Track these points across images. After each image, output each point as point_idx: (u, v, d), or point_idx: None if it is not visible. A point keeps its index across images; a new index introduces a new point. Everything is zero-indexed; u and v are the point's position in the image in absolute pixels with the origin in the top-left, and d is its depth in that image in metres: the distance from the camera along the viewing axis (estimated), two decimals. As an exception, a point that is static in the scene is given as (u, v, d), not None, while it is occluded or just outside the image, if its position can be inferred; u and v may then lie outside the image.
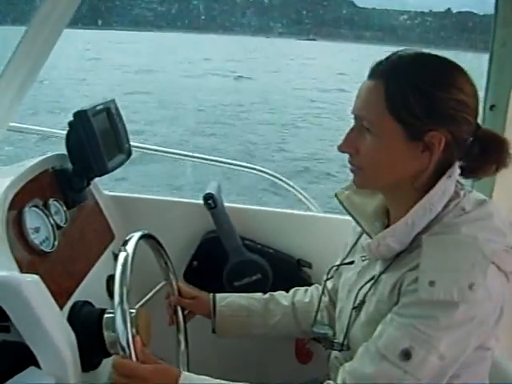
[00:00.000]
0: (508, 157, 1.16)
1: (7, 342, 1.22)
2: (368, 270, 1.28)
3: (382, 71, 1.15)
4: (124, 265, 1.24)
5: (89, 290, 1.52)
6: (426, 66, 1.15)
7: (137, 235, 1.35)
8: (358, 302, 1.25)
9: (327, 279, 1.50)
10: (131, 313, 1.30)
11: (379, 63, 1.17)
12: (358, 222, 1.31)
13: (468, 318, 1.05)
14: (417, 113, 1.10)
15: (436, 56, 1.16)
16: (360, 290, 1.26)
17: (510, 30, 1.83)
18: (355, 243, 1.42)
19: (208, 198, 1.88)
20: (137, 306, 1.38)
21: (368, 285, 1.24)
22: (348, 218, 2.03)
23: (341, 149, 1.20)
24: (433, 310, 1.05)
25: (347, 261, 1.41)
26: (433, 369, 1.05)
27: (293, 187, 2.56)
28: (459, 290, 1.03)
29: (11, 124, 1.83)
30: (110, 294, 1.59)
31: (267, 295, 1.63)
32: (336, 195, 1.34)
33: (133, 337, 1.19)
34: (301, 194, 2.55)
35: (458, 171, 1.18)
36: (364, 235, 1.34)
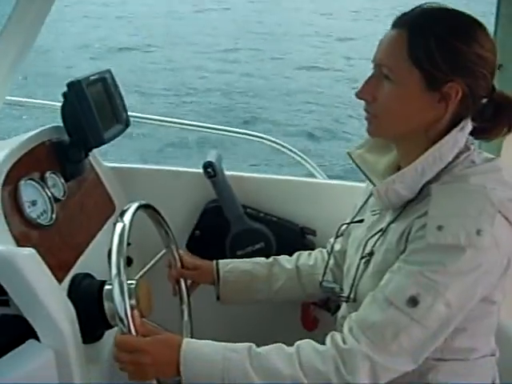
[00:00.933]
0: None
1: (6, 315, 1.22)
2: (377, 223, 1.29)
3: (405, 21, 1.16)
4: (121, 235, 1.24)
5: (90, 262, 1.52)
6: (449, 19, 1.16)
7: (134, 206, 1.34)
8: (366, 253, 1.26)
9: (337, 237, 1.50)
10: (131, 284, 1.30)
11: (404, 14, 1.18)
12: (369, 179, 1.30)
13: (475, 265, 1.06)
14: (437, 62, 1.11)
15: (460, 11, 1.17)
16: (368, 240, 1.27)
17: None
18: (365, 202, 1.42)
19: (208, 166, 1.86)
20: (137, 276, 1.37)
21: (376, 236, 1.25)
22: (352, 183, 2.03)
23: (358, 95, 1.21)
24: (440, 255, 1.06)
25: (357, 219, 1.42)
26: (439, 316, 1.06)
27: (296, 153, 2.53)
28: (467, 234, 1.05)
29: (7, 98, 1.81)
30: None
31: (271, 259, 1.63)
32: (348, 153, 1.33)
33: (132, 309, 1.19)
34: (305, 160, 2.53)
35: (470, 127, 1.19)
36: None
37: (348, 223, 1.46)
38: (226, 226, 1.96)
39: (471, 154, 1.18)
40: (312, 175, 2.47)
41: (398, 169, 1.27)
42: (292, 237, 1.98)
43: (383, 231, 1.23)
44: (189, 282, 1.62)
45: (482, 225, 1.05)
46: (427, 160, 1.15)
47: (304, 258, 1.63)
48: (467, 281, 1.06)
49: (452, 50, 1.12)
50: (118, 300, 1.16)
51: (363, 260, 1.26)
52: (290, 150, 2.55)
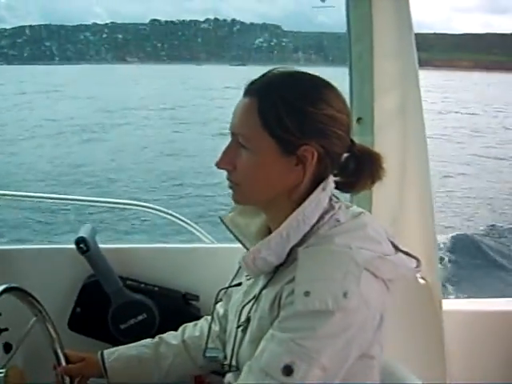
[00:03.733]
0: (381, 170, 1.22)
1: None
2: (252, 289, 1.27)
3: (255, 89, 1.18)
4: None
5: None
6: (296, 82, 1.19)
7: None
8: (242, 320, 1.24)
9: (216, 303, 1.48)
10: (0, 372, 1.24)
11: (254, 81, 1.20)
12: (242, 243, 1.29)
13: (345, 326, 1.05)
14: (289, 127, 1.13)
15: (307, 73, 1.20)
16: (243, 308, 1.25)
17: (363, 45, 1.94)
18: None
19: (80, 241, 1.82)
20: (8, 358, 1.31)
21: (251, 303, 1.23)
22: (234, 245, 2.04)
23: (218, 165, 1.21)
24: (309, 321, 1.05)
25: (235, 282, 1.40)
26: (317, 381, 1.04)
27: (180, 219, 2.53)
28: (333, 298, 1.04)
29: None
30: None
31: (156, 339, 1.56)
32: (221, 218, 1.33)
33: None
34: (191, 225, 2.53)
35: (333, 185, 1.22)
36: None
37: (226, 287, 1.44)
38: (107, 301, 1.91)
39: (336, 213, 1.18)
40: (200, 240, 2.47)
41: (269, 231, 1.28)
42: (175, 304, 1.96)
43: (256, 298, 1.22)
44: (76, 380, 1.52)
45: (348, 286, 1.05)
46: (291, 224, 1.15)
47: (190, 330, 1.58)
48: (339, 342, 1.05)
49: (301, 114, 1.14)
50: None
51: (240, 328, 1.25)
52: (175, 217, 2.55)
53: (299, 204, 1.17)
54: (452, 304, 2.38)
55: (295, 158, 1.15)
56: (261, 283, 1.23)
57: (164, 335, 1.58)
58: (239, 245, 1.79)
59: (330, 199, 1.20)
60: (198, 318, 1.69)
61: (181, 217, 2.55)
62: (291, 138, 1.14)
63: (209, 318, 1.57)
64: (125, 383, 1.52)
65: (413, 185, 2.02)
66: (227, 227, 1.32)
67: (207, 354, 1.43)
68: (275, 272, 1.18)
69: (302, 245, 1.15)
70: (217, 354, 1.42)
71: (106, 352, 1.53)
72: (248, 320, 1.23)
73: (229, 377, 1.35)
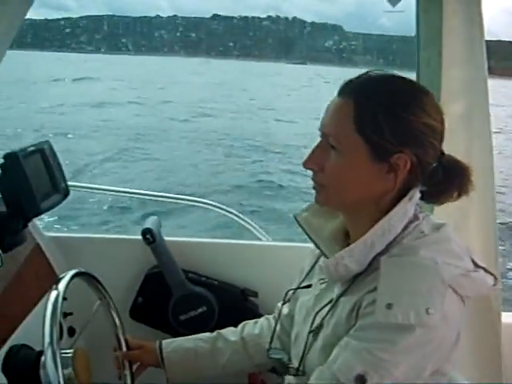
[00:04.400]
0: (469, 184, 1.18)
1: None
2: (326, 293, 1.25)
3: (351, 90, 1.15)
4: (54, 304, 1.23)
5: (28, 332, 1.50)
6: (396, 87, 1.16)
7: (70, 274, 1.34)
8: (315, 325, 1.22)
9: (284, 303, 1.46)
10: (67, 353, 1.29)
11: (349, 81, 1.17)
12: (316, 245, 1.27)
13: (424, 342, 1.04)
14: (385, 134, 1.10)
15: (405, 78, 1.17)
16: (317, 313, 1.23)
17: (432, 50, 1.92)
18: (313, 266, 1.39)
19: (146, 232, 1.88)
20: (70, 345, 1.37)
21: (326, 308, 1.21)
22: (295, 244, 2.07)
23: (305, 165, 1.18)
24: (389, 334, 1.03)
25: (304, 284, 1.38)
26: None
27: (239, 217, 2.57)
28: (416, 313, 1.02)
29: None
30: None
31: (214, 333, 1.58)
32: (295, 217, 1.30)
33: (67, 378, 1.18)
34: (248, 223, 2.57)
35: (419, 195, 1.19)
36: (322, 258, 1.29)
37: (295, 289, 1.42)
38: (168, 292, 1.97)
39: (420, 224, 1.15)
40: (257, 238, 2.51)
41: (346, 234, 1.26)
42: (234, 299, 2.00)
43: (332, 305, 1.19)
44: (134, 366, 1.57)
45: (432, 303, 1.03)
46: (376, 233, 1.12)
47: (249, 327, 1.58)
48: (416, 358, 1.04)
49: (399, 121, 1.10)
50: (51, 370, 1.15)
51: (312, 333, 1.23)
52: (234, 215, 2.59)
53: (385, 212, 1.14)
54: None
55: (387, 166, 1.12)
56: (337, 290, 1.20)
57: (223, 331, 1.59)
58: (297, 244, 1.80)
59: (415, 209, 1.18)
60: (256, 313, 1.73)
61: (239, 214, 2.59)
62: (386, 144, 1.11)
63: (270, 317, 1.59)
64: (181, 374, 1.55)
65: (476, 193, 1.99)
66: (302, 227, 1.29)
67: (272, 355, 1.42)
68: (354, 279, 1.16)
69: (385, 254, 1.13)
70: (281, 356, 1.41)
71: (164, 342, 1.57)
72: (321, 325, 1.21)
73: (290, 379, 1.34)
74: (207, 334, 1.58)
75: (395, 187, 1.14)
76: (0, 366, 1.33)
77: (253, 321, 1.61)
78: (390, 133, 1.10)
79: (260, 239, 2.47)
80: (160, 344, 1.56)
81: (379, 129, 1.10)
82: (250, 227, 2.56)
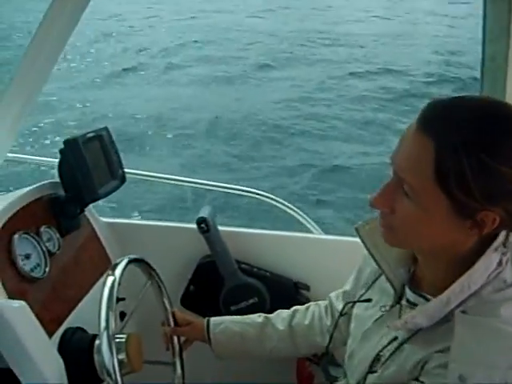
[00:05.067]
0: None
1: None
2: (389, 321, 1.16)
3: (434, 124, 0.93)
4: (111, 289, 1.25)
5: (83, 315, 1.53)
6: (489, 128, 0.91)
7: (126, 259, 1.36)
8: (374, 360, 1.15)
9: (341, 315, 1.40)
10: (121, 337, 1.31)
11: (433, 108, 0.96)
12: (378, 264, 1.18)
13: None
14: (472, 191, 0.90)
15: (505, 112, 0.93)
16: (380, 351, 1.15)
17: (498, 45, 1.85)
18: (374, 281, 1.30)
19: (201, 221, 1.89)
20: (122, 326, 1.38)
21: (389, 347, 1.12)
22: (348, 238, 2.03)
23: (373, 205, 1.02)
24: None
25: (365, 297, 1.30)
26: None
27: (292, 209, 2.56)
28: None
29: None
30: None
31: (263, 319, 1.58)
32: (357, 230, 1.18)
33: (120, 362, 1.20)
34: (301, 215, 2.55)
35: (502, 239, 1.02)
36: (383, 277, 1.22)
37: (354, 301, 1.34)
38: (220, 281, 1.97)
39: (503, 271, 1.00)
40: (309, 231, 2.49)
41: (414, 258, 1.16)
42: (286, 291, 1.99)
43: (396, 348, 1.10)
44: (182, 339, 1.62)
45: (511, 379, 0.90)
46: (454, 290, 0.99)
47: (300, 316, 1.56)
48: None
49: (491, 175, 0.89)
50: (106, 354, 1.16)
51: (370, 372, 1.15)
52: (286, 206, 2.58)
53: (463, 262, 1.00)
54: None
55: (470, 222, 0.95)
56: (402, 332, 1.11)
57: (272, 316, 1.59)
58: (351, 238, 1.75)
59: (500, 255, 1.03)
60: (308, 307, 1.70)
61: (294, 207, 2.57)
62: (472, 203, 0.91)
63: (321, 304, 1.57)
64: (227, 353, 1.58)
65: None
66: (364, 243, 1.18)
67: (330, 371, 1.44)
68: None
69: (460, 306, 1.00)
70: (338, 375, 1.41)
71: (212, 323, 1.58)
72: (378, 360, 1.14)
73: None
74: (255, 319, 1.59)
75: (477, 240, 0.99)
76: (57, 347, 1.35)
77: (304, 306, 1.60)
78: (478, 189, 0.90)
79: (312, 232, 2.45)
80: (208, 323, 1.58)
81: (465, 183, 0.89)
82: (302, 219, 2.54)
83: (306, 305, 1.60)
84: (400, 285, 1.17)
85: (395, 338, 1.11)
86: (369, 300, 1.28)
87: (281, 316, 1.58)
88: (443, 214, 0.95)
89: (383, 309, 1.20)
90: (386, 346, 1.13)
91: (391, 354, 1.10)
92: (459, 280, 0.99)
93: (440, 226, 0.97)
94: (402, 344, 1.09)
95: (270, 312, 1.64)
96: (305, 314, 1.57)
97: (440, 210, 0.94)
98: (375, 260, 1.18)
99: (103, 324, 1.19)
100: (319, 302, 1.59)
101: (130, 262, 1.38)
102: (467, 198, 0.91)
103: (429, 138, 0.92)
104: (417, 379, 1.01)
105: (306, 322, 1.54)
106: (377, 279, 1.29)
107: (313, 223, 2.49)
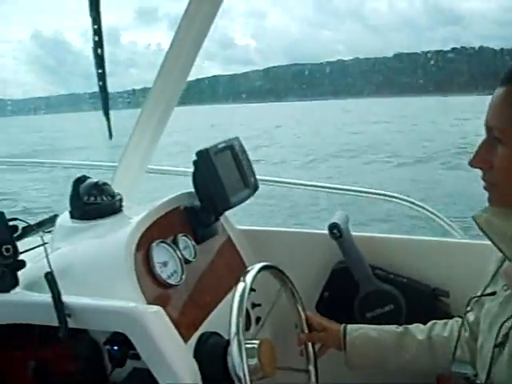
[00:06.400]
0: None
1: (138, 369, 1.30)
2: (510, 302, 1.18)
3: (509, 76, 1.08)
4: (241, 295, 1.28)
5: (218, 321, 1.56)
6: None
7: (257, 266, 1.39)
8: (500, 337, 1.15)
9: (467, 312, 1.40)
10: (254, 343, 1.33)
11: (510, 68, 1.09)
12: (499, 248, 1.19)
13: None
14: None
15: None
16: (503, 324, 1.15)
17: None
18: (497, 271, 1.31)
19: (333, 227, 1.87)
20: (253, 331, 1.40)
21: None
22: (487, 242, 1.93)
23: (472, 164, 1.13)
24: None
25: (489, 291, 1.30)
26: None
27: (432, 212, 2.47)
28: None
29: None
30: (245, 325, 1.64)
31: (401, 328, 1.55)
32: (474, 218, 1.23)
33: (253, 369, 1.22)
34: (442, 219, 2.46)
35: None
36: (506, 262, 1.23)
37: (479, 296, 1.35)
38: (355, 288, 1.94)
39: None
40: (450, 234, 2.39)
41: None
42: (424, 298, 1.91)
43: None
44: (317, 346, 1.61)
45: None
46: None
47: (439, 328, 1.53)
48: None
49: None
50: (236, 359, 1.19)
51: (498, 347, 1.16)
52: (427, 210, 2.49)
53: None
54: None
55: None
56: None
57: (410, 326, 1.55)
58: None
59: None
60: (448, 314, 1.63)
61: (432, 209, 2.48)
62: None
63: (459, 319, 1.51)
64: (361, 361, 1.56)
65: None
66: (482, 229, 1.21)
67: (454, 369, 1.37)
68: None
69: None
70: (466, 371, 1.35)
71: (349, 327, 1.58)
72: (507, 337, 1.13)
73: None
74: (393, 328, 1.56)
75: None
76: (193, 351, 1.40)
77: (442, 321, 1.55)
78: None
79: (453, 235, 2.35)
80: (345, 328, 1.57)
81: None
82: (443, 223, 2.44)
83: (445, 320, 1.56)
84: None
85: None
86: (493, 293, 1.28)
87: (420, 327, 1.55)
88: None
89: (505, 288, 1.21)
90: (508, 319, 1.14)
91: None
92: None
93: None
94: None
95: (407, 319, 1.60)
96: (444, 327, 1.53)
97: None
98: (495, 243, 1.19)
99: (234, 329, 1.22)
100: (458, 318, 1.53)
101: (261, 269, 1.40)
102: None
103: (508, 87, 1.07)
104: None
105: (446, 335, 1.50)
106: (499, 269, 1.28)
107: (454, 226, 2.39)
